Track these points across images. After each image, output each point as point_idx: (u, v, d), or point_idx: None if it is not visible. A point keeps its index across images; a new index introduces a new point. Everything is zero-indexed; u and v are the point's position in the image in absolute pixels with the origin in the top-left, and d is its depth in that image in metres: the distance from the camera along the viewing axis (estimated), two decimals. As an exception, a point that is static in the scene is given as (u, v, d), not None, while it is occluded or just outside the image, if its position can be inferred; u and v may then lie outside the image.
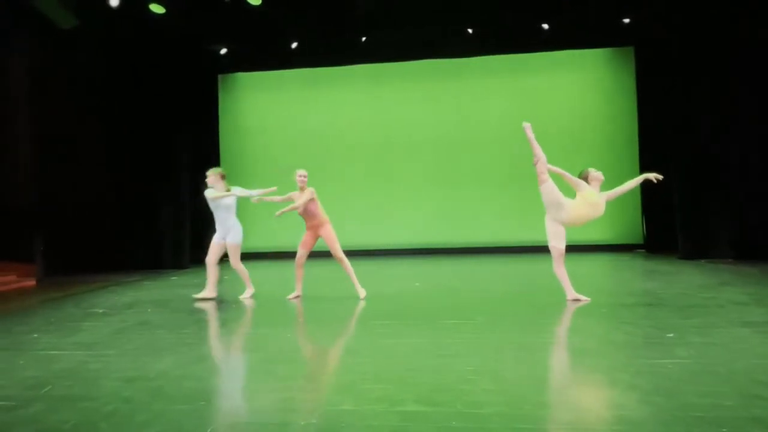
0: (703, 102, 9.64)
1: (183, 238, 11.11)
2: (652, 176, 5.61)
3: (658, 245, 11.46)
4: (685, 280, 7.12)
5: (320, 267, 9.21)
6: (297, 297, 6.50)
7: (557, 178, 5.60)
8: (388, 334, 4.42)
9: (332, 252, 6.34)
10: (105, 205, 11.03)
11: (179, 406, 2.82)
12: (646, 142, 11.72)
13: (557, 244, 5.53)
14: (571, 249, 5.88)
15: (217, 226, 6.64)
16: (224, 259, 6.83)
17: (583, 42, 12.14)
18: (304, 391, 3.10)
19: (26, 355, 4.01)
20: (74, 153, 10.65)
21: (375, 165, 13.19)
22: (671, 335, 4.01)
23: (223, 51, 12.44)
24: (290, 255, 8.65)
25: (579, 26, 11.48)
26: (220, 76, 13.52)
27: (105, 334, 4.66)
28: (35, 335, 4.71)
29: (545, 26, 11.43)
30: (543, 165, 5.54)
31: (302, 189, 6.28)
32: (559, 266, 5.61)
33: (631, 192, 11.73)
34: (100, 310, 6.00)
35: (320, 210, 6.33)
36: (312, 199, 6.24)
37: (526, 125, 5.62)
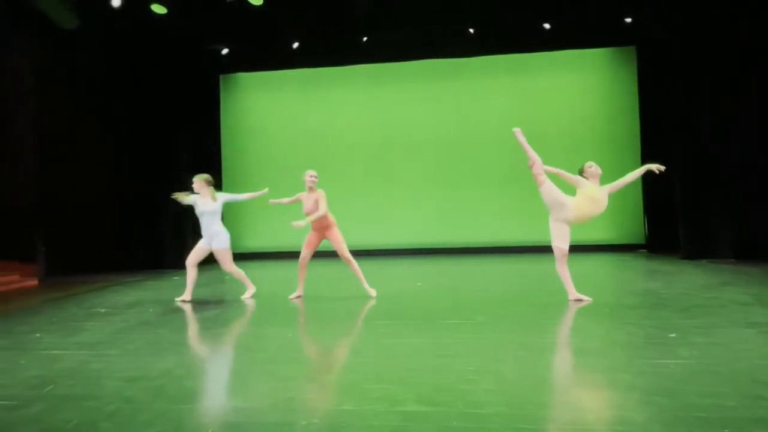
0: (703, 102, 9.65)
1: (184, 239, 11.10)
2: (654, 167, 5.52)
3: (660, 245, 11.46)
4: (687, 280, 7.12)
5: (322, 267, 9.21)
6: (299, 297, 6.50)
7: (556, 178, 5.59)
8: (388, 334, 4.42)
9: (339, 253, 6.32)
10: (105, 205, 11.05)
11: (181, 406, 2.82)
12: (647, 142, 11.72)
13: (560, 244, 5.52)
14: (573, 249, 5.87)
15: (203, 232, 6.49)
16: (215, 263, 6.75)
17: (584, 42, 12.14)
18: (304, 391, 3.10)
19: (28, 354, 4.01)
20: (74, 153, 10.66)
21: (375, 165, 13.19)
22: (673, 335, 4.00)
23: (224, 51, 12.46)
24: (292, 255, 8.66)
25: (579, 26, 11.48)
26: (221, 77, 13.54)
27: (107, 334, 4.66)
28: (37, 335, 4.71)
29: (546, 26, 11.42)
30: (539, 167, 5.52)
31: (311, 190, 6.22)
32: (562, 266, 5.60)
33: (633, 192, 11.95)
34: (102, 310, 6.00)
35: (328, 212, 6.28)
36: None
37: (516, 130, 5.61)
